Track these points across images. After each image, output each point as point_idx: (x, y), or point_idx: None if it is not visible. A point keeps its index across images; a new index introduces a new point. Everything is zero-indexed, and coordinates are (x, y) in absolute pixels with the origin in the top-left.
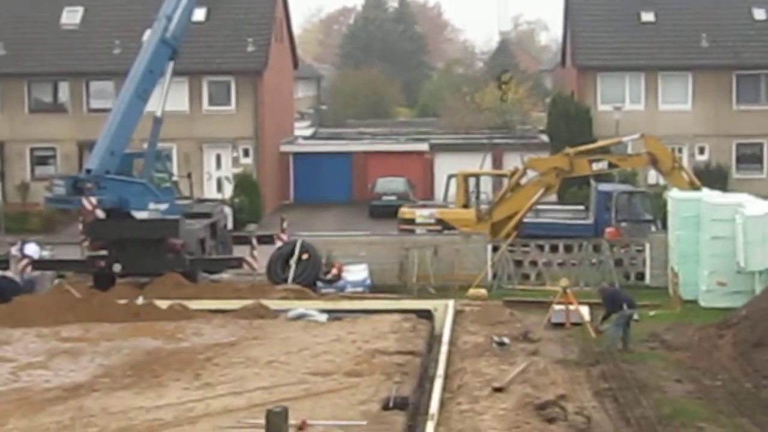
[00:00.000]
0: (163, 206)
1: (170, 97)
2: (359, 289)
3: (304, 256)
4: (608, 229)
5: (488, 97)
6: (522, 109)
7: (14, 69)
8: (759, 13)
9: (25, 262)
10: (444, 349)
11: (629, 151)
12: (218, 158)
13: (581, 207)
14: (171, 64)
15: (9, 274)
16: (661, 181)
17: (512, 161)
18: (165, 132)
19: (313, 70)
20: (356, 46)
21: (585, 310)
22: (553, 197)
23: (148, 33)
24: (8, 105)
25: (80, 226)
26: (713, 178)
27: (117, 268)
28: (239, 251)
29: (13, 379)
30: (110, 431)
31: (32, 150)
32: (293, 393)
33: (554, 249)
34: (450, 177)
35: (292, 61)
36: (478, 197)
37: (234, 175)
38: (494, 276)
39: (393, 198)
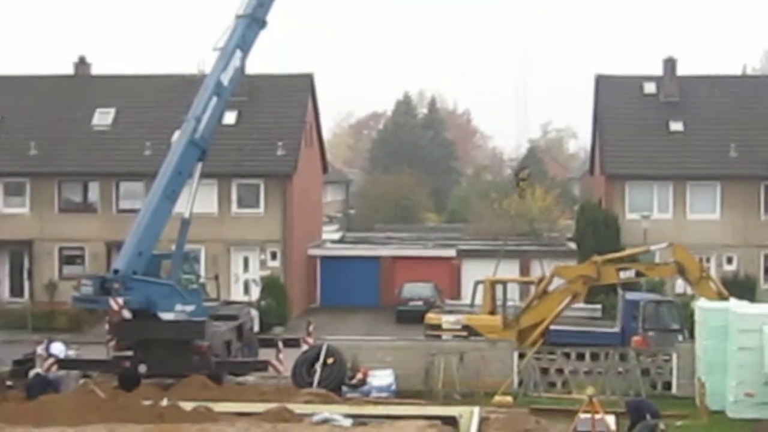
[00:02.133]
0: (190, 308)
1: (199, 199)
2: (384, 394)
3: (330, 361)
4: (635, 338)
5: (516, 204)
6: (550, 216)
7: (45, 168)
8: None
9: (50, 361)
10: None
11: (657, 260)
12: (246, 261)
13: (597, 306)
14: (200, 166)
15: (37, 370)
16: (689, 291)
17: (540, 268)
18: (193, 233)
19: (342, 175)
20: (385, 151)
21: (611, 420)
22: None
23: (177, 134)
24: (38, 204)
25: (106, 326)
26: (741, 288)
27: (142, 368)
28: (265, 354)
29: None
30: None
31: (61, 249)
32: None
33: (581, 357)
34: (477, 283)
35: (321, 165)
36: (504, 304)
37: (261, 277)
38: (520, 383)
39: (420, 303)
